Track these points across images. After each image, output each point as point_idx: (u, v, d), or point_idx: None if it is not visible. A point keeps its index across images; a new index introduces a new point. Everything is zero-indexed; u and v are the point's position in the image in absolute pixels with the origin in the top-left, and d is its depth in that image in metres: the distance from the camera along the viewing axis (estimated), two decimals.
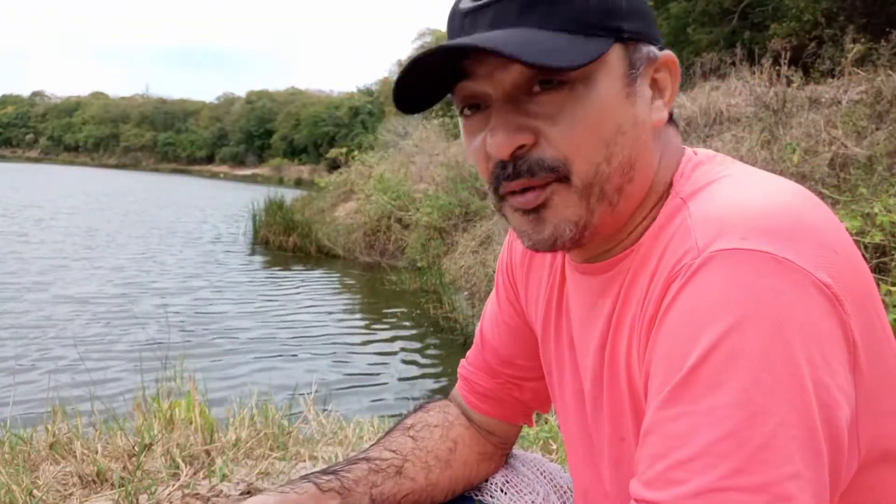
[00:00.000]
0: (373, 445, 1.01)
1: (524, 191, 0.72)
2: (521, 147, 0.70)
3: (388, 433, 1.03)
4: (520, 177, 0.71)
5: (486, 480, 1.06)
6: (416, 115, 19.79)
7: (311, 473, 0.92)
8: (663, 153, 0.77)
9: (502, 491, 1.04)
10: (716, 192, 0.70)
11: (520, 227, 0.75)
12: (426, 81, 0.72)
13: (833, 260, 0.61)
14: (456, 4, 0.74)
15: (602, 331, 0.78)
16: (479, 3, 0.70)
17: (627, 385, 0.74)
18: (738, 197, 0.67)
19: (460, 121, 0.78)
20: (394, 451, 0.98)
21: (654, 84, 0.75)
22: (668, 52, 0.75)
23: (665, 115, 0.75)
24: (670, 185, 0.76)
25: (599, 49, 0.68)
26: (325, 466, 0.97)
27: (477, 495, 1.04)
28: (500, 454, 1.08)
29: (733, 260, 0.60)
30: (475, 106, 0.74)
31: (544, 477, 1.08)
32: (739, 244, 0.61)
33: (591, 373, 0.81)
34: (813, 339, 0.58)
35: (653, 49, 0.74)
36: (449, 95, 0.76)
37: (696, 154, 0.79)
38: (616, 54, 0.71)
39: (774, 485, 0.55)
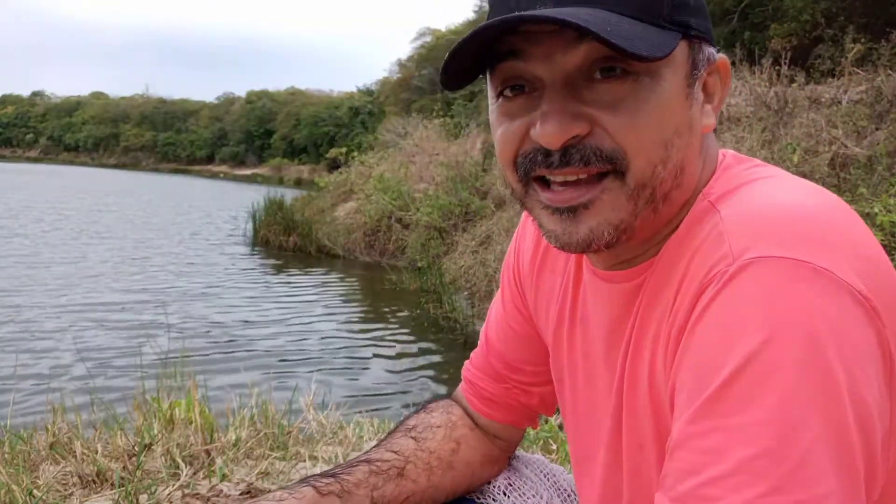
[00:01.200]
0: (374, 447, 0.99)
1: (563, 185, 0.67)
2: (574, 137, 0.65)
3: (389, 434, 1.02)
4: (569, 165, 0.66)
5: (489, 483, 1.04)
6: (415, 115, 19.78)
7: (311, 476, 0.91)
8: (707, 156, 0.74)
9: (505, 494, 1.03)
10: (747, 195, 0.67)
11: (549, 225, 0.70)
12: (466, 57, 0.66)
13: (869, 270, 0.59)
14: None
15: (626, 340, 0.76)
16: None
17: (649, 393, 0.72)
18: (771, 202, 0.64)
19: (493, 101, 0.72)
20: (395, 453, 0.96)
21: (705, 87, 0.71)
22: (723, 56, 0.71)
23: (714, 121, 0.72)
24: (701, 188, 0.73)
25: (672, 43, 0.64)
26: (325, 467, 0.96)
27: (479, 498, 1.03)
28: (504, 457, 1.06)
29: (769, 268, 0.58)
30: (518, 87, 0.68)
31: (547, 479, 1.07)
32: (775, 251, 0.58)
33: (614, 381, 0.78)
34: (850, 352, 0.56)
35: (712, 51, 0.71)
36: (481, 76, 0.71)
37: (724, 157, 0.76)
38: (682, 51, 0.67)
39: None
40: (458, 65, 0.67)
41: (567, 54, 0.64)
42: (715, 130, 0.75)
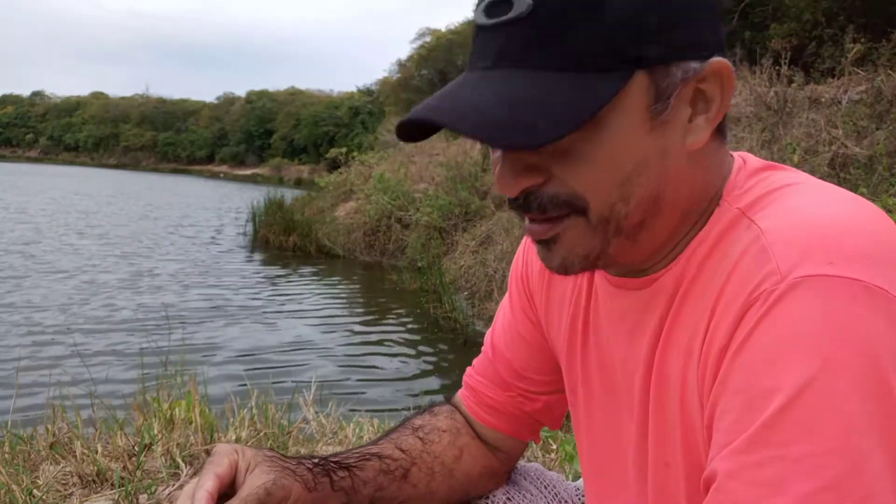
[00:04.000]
0: (382, 439, 0.97)
1: (533, 221, 0.68)
2: (530, 186, 0.65)
3: (395, 429, 0.99)
4: (530, 212, 0.67)
5: (486, 497, 1.01)
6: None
7: (329, 459, 0.89)
8: (709, 169, 0.69)
9: None
10: (786, 206, 0.64)
11: (537, 250, 0.72)
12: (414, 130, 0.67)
13: None
14: (477, 6, 0.65)
15: (647, 351, 0.72)
16: (492, 20, 0.63)
17: (680, 411, 0.69)
18: (815, 214, 0.61)
19: None
20: (404, 452, 0.94)
21: (700, 96, 0.65)
22: (717, 60, 0.65)
23: (705, 135, 0.66)
24: (720, 195, 0.70)
25: (602, 97, 0.60)
26: (339, 452, 0.95)
27: None
28: (503, 472, 1.03)
29: (821, 287, 0.55)
30: None
31: (547, 490, 1.03)
32: (827, 270, 0.55)
33: (636, 395, 0.75)
34: None
35: (693, 64, 0.64)
36: None
37: (744, 161, 0.73)
38: (638, 86, 0.62)
39: None
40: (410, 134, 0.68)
41: None
42: (725, 131, 0.71)
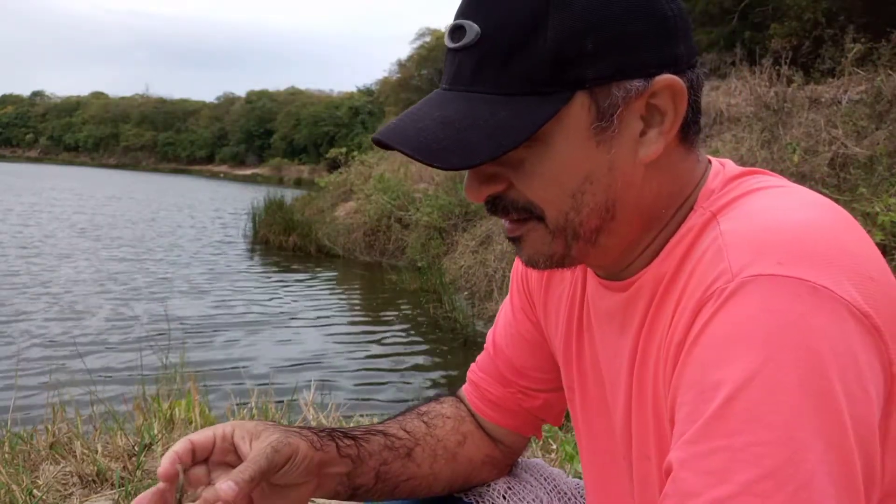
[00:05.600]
0: (388, 420, 0.99)
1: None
2: (491, 194, 0.72)
3: (401, 414, 1.01)
4: (495, 214, 0.73)
5: (488, 486, 1.03)
6: None
7: (335, 430, 0.91)
8: (675, 177, 0.72)
9: (504, 498, 1.02)
10: (747, 209, 0.67)
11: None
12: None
13: (871, 287, 0.59)
14: (448, 27, 0.71)
15: (630, 350, 0.76)
16: (452, 45, 0.69)
17: (653, 408, 0.73)
18: (771, 216, 0.64)
19: None
20: (408, 433, 0.96)
21: (654, 110, 0.68)
22: (666, 77, 0.67)
23: (658, 147, 0.69)
24: (694, 200, 0.73)
25: (539, 119, 0.65)
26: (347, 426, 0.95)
27: (478, 501, 1.02)
28: (506, 463, 1.06)
29: (769, 286, 0.58)
30: None
31: (547, 482, 1.05)
32: (775, 270, 0.58)
33: (621, 393, 0.78)
34: (852, 372, 0.56)
35: (635, 83, 0.66)
36: None
37: (723, 166, 0.75)
38: (579, 105, 0.66)
39: None
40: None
41: None
42: (693, 140, 0.73)
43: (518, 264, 1.00)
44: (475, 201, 0.73)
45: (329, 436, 0.88)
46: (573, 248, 0.72)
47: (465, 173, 0.72)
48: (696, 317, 0.62)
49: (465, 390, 1.06)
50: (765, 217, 0.64)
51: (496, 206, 0.73)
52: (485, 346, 1.05)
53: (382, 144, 0.69)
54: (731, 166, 0.76)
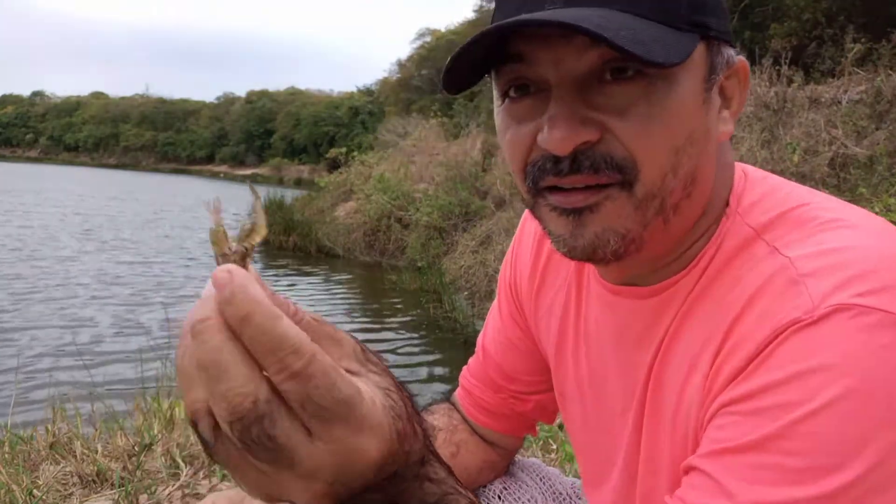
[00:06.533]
0: None
1: (571, 189, 0.63)
2: (584, 143, 0.61)
3: None
4: (579, 172, 0.62)
5: (484, 487, 1.03)
6: (415, 115, 19.77)
7: None
8: (723, 168, 0.69)
9: (500, 498, 1.01)
10: (813, 236, 0.63)
11: (556, 229, 0.66)
12: (469, 61, 0.63)
13: None
14: None
15: (650, 359, 0.71)
16: None
17: (672, 423, 0.68)
18: (845, 244, 0.60)
19: (499, 102, 0.68)
20: None
21: (723, 92, 0.66)
22: (742, 58, 0.67)
23: (731, 127, 0.67)
24: (726, 203, 0.69)
25: (690, 46, 0.60)
26: None
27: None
28: (503, 463, 1.05)
29: (852, 318, 0.55)
30: (523, 87, 0.65)
31: (543, 483, 1.05)
32: (858, 301, 0.55)
33: (635, 404, 0.74)
34: None
35: (731, 53, 0.66)
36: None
37: (745, 173, 0.72)
38: (700, 54, 0.62)
39: None
40: (461, 69, 0.63)
41: (578, 59, 0.60)
42: (731, 137, 0.70)
43: (505, 271, 0.98)
44: (563, 151, 0.61)
45: None
46: (649, 227, 0.64)
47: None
48: (768, 346, 0.58)
49: (458, 395, 1.05)
50: (835, 245, 0.61)
51: (579, 162, 0.62)
52: (475, 350, 1.04)
53: (562, 26, 0.56)
54: (751, 169, 0.73)
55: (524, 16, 0.59)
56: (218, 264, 0.43)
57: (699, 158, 0.64)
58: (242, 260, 0.44)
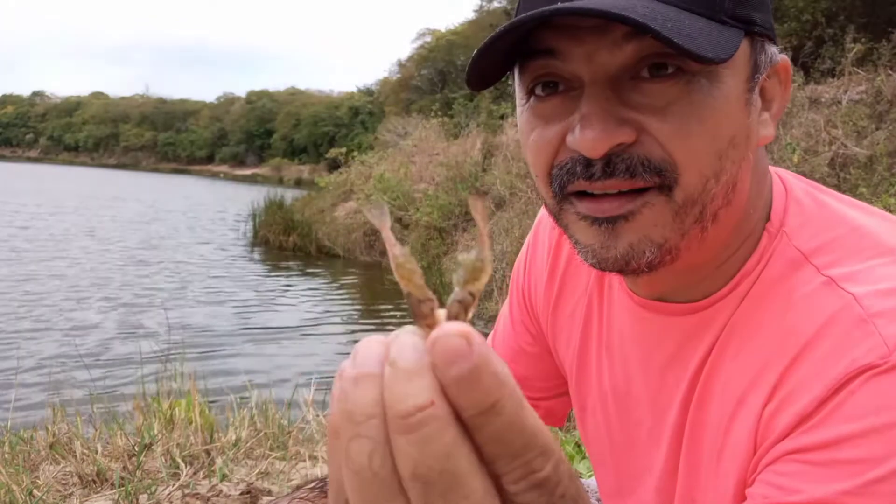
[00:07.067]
0: None
1: (603, 196, 0.59)
2: (618, 145, 0.57)
3: None
4: (613, 176, 0.57)
5: None
6: (415, 115, 19.76)
7: (303, 486, 0.87)
8: (761, 176, 0.65)
9: None
10: (866, 258, 0.59)
11: (585, 239, 0.61)
12: (497, 55, 0.59)
13: None
14: None
15: (688, 385, 0.67)
16: None
17: (717, 456, 0.64)
18: None
19: (523, 101, 0.63)
20: None
21: (763, 93, 0.62)
22: (784, 57, 0.63)
23: (772, 132, 0.63)
24: (765, 217, 0.65)
25: (735, 42, 0.56)
26: (325, 467, 0.95)
27: None
28: None
29: None
30: (552, 85, 0.60)
31: None
32: None
33: (670, 428, 0.70)
34: None
35: (775, 50, 0.62)
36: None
37: (784, 183, 0.67)
38: (743, 51, 0.58)
39: None
40: (487, 63, 0.59)
41: (613, 53, 0.56)
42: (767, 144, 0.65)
43: (518, 276, 0.95)
44: (596, 153, 0.56)
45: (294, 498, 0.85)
46: (687, 235, 0.59)
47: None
48: (838, 392, 0.54)
49: None
50: None
51: (614, 165, 0.57)
52: None
53: (601, 15, 0.52)
54: (789, 178, 0.68)
55: (561, 4, 0.54)
56: (416, 313, 0.31)
57: (740, 163, 0.60)
58: (466, 313, 0.31)
